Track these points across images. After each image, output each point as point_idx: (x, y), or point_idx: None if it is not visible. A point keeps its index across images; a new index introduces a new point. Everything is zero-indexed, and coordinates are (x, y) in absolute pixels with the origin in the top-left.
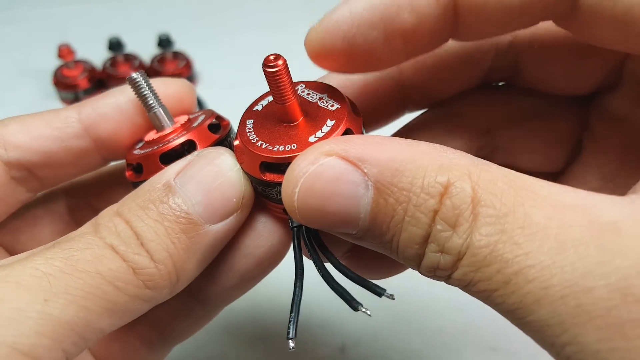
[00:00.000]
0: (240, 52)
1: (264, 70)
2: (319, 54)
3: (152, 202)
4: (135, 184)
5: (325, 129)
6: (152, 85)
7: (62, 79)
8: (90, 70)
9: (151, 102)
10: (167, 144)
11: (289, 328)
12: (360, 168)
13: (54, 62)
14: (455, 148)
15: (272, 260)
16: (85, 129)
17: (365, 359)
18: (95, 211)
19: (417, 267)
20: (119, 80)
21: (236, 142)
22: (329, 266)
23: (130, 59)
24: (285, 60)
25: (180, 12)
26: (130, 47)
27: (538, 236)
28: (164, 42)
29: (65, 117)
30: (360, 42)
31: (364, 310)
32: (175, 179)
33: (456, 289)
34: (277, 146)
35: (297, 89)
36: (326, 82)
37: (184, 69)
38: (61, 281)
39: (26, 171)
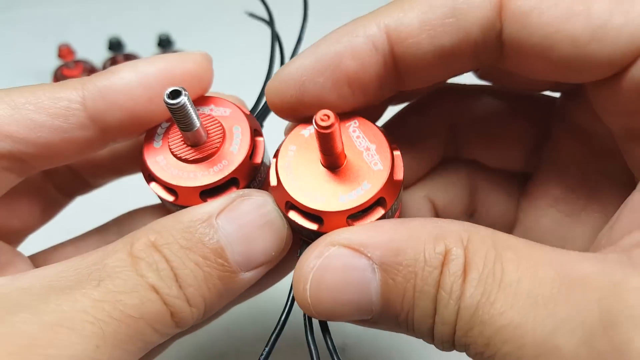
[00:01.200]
0: (240, 52)
1: (316, 131)
2: (276, 103)
3: (194, 243)
4: (168, 204)
5: (359, 191)
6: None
7: (62, 78)
8: (91, 70)
9: (192, 121)
10: (207, 173)
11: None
12: (364, 253)
13: (54, 62)
14: (425, 142)
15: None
16: (91, 118)
17: (365, 359)
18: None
19: (432, 341)
20: None
21: (273, 181)
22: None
23: (130, 58)
24: (337, 118)
25: (180, 12)
26: (131, 47)
27: (512, 294)
28: (164, 42)
29: (67, 102)
30: (310, 88)
31: None
32: (218, 218)
33: None
34: (308, 192)
35: (349, 125)
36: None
37: None
38: (111, 327)
39: (19, 162)
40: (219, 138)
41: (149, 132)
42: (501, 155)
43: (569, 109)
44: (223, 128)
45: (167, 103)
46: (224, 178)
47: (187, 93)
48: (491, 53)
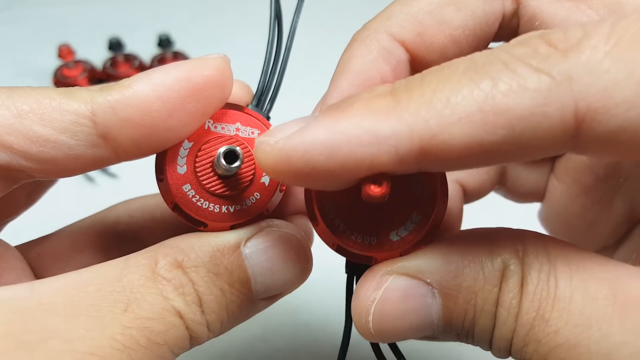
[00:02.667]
0: (240, 52)
1: (366, 196)
2: (267, 172)
3: (222, 270)
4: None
5: (409, 225)
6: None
7: (62, 79)
8: (91, 70)
9: (237, 169)
10: (239, 207)
11: None
12: (423, 279)
13: (54, 62)
14: (473, 5)
15: None
16: (102, 135)
17: (366, 359)
18: None
19: (490, 350)
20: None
21: (315, 223)
22: None
23: (130, 59)
24: (389, 183)
25: (181, 12)
26: (130, 47)
27: (565, 311)
28: (164, 42)
29: (75, 117)
30: (312, 180)
31: None
32: (246, 246)
33: None
34: (356, 234)
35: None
36: None
37: None
38: (138, 354)
39: (16, 172)
40: (251, 170)
41: (171, 151)
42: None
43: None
44: (255, 160)
45: (223, 167)
46: (256, 215)
47: (241, 151)
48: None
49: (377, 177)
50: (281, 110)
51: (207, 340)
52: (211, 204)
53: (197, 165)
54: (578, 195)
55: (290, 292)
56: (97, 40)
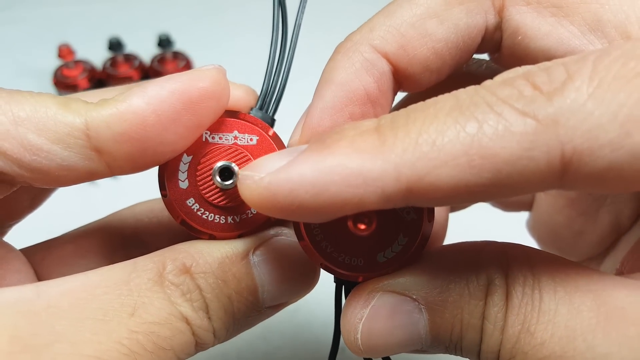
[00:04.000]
0: (240, 52)
1: (353, 232)
2: (252, 205)
3: (230, 277)
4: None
5: (396, 247)
6: None
7: (62, 79)
8: (91, 70)
9: (235, 183)
10: (244, 216)
11: None
12: (409, 295)
13: (54, 62)
14: (455, 19)
15: None
16: (95, 149)
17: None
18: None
19: None
20: (119, 80)
21: (302, 242)
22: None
23: (130, 59)
24: (376, 220)
25: (181, 12)
26: (130, 47)
27: (550, 324)
28: (164, 42)
29: (69, 129)
30: (298, 216)
31: None
32: (254, 254)
33: None
34: (343, 256)
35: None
36: None
37: (184, 69)
38: (144, 359)
39: (10, 177)
40: None
41: (171, 166)
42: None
43: None
44: None
45: (219, 184)
46: (262, 223)
47: (237, 167)
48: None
49: (363, 216)
50: (286, 112)
51: (212, 346)
52: (217, 216)
53: (198, 179)
54: (564, 207)
55: (296, 300)
56: (97, 40)
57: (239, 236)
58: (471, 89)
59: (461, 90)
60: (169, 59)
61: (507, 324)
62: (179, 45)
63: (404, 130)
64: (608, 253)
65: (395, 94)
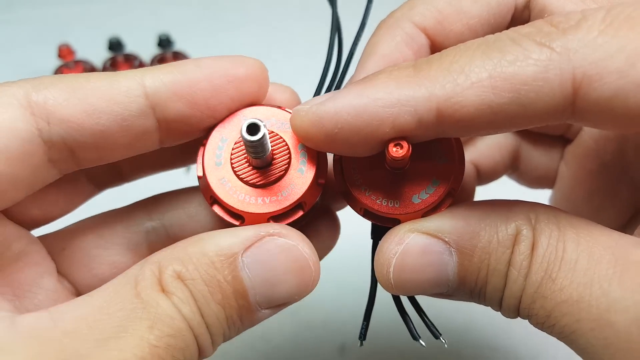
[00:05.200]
0: (240, 52)
1: (389, 159)
2: (301, 134)
3: (218, 282)
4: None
5: (430, 189)
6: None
7: None
8: (91, 70)
9: (266, 151)
10: (275, 198)
11: (362, 329)
12: (442, 238)
13: (54, 62)
14: None
15: None
16: (152, 106)
17: (365, 359)
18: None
19: (500, 309)
20: None
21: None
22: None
23: (130, 59)
24: (409, 146)
25: (181, 12)
26: (130, 47)
27: (570, 272)
28: (164, 42)
29: (127, 89)
30: (342, 138)
31: (421, 342)
32: (244, 255)
33: None
34: (381, 199)
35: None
36: None
37: None
38: None
39: (68, 152)
40: (286, 161)
41: (209, 147)
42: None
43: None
44: (289, 149)
45: (245, 139)
46: (291, 204)
47: (265, 125)
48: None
49: (398, 141)
50: None
51: (212, 354)
52: (247, 196)
53: (232, 157)
54: (584, 181)
55: (297, 300)
56: (97, 40)
57: (269, 219)
58: (499, 32)
59: (490, 35)
60: (169, 59)
61: (531, 270)
62: (179, 45)
63: (438, 62)
64: (626, 229)
65: None
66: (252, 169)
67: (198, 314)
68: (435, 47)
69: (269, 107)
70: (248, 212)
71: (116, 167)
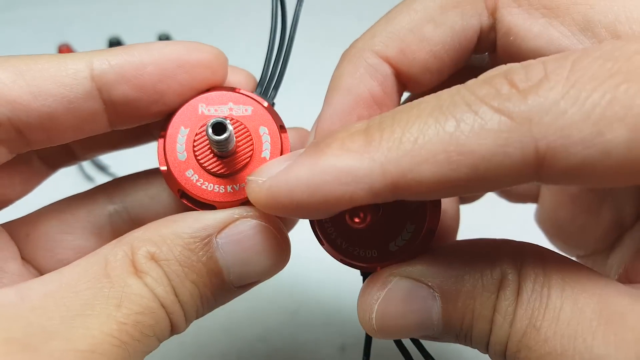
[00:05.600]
0: (240, 53)
1: (352, 226)
2: (257, 204)
3: (193, 262)
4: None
5: (405, 235)
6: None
7: None
8: None
9: (231, 146)
10: (244, 185)
11: None
12: (425, 282)
13: None
14: (452, 23)
15: None
16: (98, 89)
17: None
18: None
19: (487, 353)
20: None
21: (321, 243)
22: None
23: None
24: (369, 212)
25: (181, 12)
26: None
27: (554, 321)
28: None
29: (74, 71)
30: (300, 212)
31: None
32: (218, 237)
33: None
34: (358, 249)
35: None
36: None
37: None
38: (132, 347)
39: (15, 132)
40: (249, 147)
41: (169, 139)
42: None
43: None
44: (251, 135)
45: (211, 139)
46: None
47: (230, 123)
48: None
49: (356, 211)
50: (288, 98)
51: (185, 329)
52: (216, 186)
53: (195, 149)
54: (567, 202)
55: (269, 278)
56: (97, 40)
57: (242, 204)
58: (454, 89)
59: (445, 91)
60: None
61: (516, 317)
62: None
63: (389, 130)
64: (614, 248)
65: (400, 94)
66: (217, 160)
67: (172, 293)
68: (400, 76)
69: (225, 92)
70: (219, 202)
71: (68, 147)
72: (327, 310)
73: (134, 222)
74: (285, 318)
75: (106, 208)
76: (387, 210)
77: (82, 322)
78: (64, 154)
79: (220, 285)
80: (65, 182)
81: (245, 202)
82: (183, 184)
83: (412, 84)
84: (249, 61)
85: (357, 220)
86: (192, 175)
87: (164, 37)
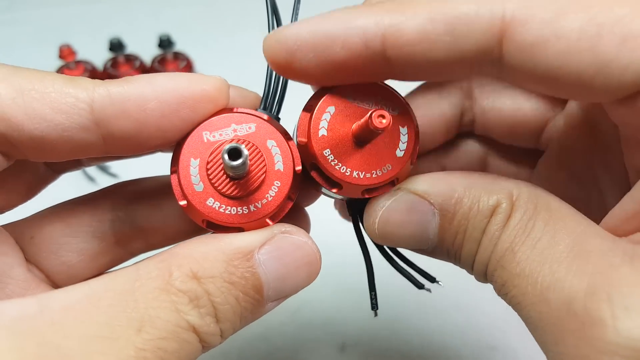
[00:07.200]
0: (240, 53)
1: (371, 129)
2: (270, 58)
3: (237, 279)
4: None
5: (404, 139)
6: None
7: None
8: (92, 71)
9: (246, 169)
10: (265, 200)
11: (372, 299)
12: (428, 199)
13: (55, 63)
14: (441, 109)
15: None
16: (96, 122)
17: (365, 358)
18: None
19: (472, 272)
20: None
21: (301, 137)
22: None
23: (131, 59)
24: (390, 119)
25: (181, 13)
26: (131, 47)
27: (530, 248)
28: (165, 43)
29: (74, 101)
30: (300, 58)
31: (427, 288)
32: (259, 252)
33: (456, 288)
34: (374, 171)
35: (345, 97)
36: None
37: (185, 70)
38: None
39: (9, 145)
40: (262, 163)
41: (182, 173)
42: (513, 132)
43: (577, 103)
44: (260, 151)
45: (227, 165)
46: (282, 200)
47: (245, 148)
48: (488, 72)
49: (381, 114)
50: (291, 111)
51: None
52: (238, 208)
53: (210, 177)
54: (556, 191)
55: (296, 292)
56: (98, 41)
57: (270, 219)
58: None
59: None
60: (169, 59)
61: (499, 241)
62: (180, 45)
63: (390, 0)
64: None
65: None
66: (233, 182)
67: (209, 314)
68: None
69: (225, 115)
70: (246, 222)
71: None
72: (327, 310)
73: (137, 229)
74: (286, 317)
75: (109, 214)
76: (376, 144)
77: (99, 345)
78: (70, 161)
79: (259, 301)
80: (66, 182)
81: (274, 216)
82: (207, 214)
83: (395, 72)
84: (249, 61)
85: (381, 119)
86: (213, 203)
87: (165, 38)
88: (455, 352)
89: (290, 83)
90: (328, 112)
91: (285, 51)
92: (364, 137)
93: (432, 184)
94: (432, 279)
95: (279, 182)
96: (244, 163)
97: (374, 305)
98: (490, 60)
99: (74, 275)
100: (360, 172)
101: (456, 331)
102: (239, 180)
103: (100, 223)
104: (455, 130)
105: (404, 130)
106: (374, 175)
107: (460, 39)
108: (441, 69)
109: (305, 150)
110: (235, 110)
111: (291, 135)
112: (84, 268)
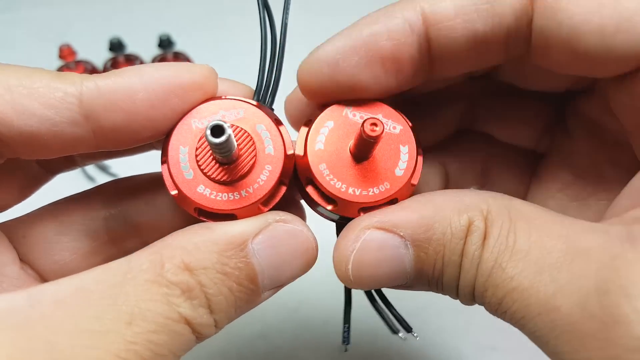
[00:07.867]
0: (240, 53)
1: (360, 135)
2: (308, 83)
3: (231, 269)
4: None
5: (404, 157)
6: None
7: None
8: (92, 71)
9: (233, 150)
10: (257, 185)
11: (344, 332)
12: (397, 233)
13: (55, 63)
14: (441, 110)
15: None
16: (85, 115)
17: (365, 359)
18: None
19: (457, 297)
20: None
21: (299, 150)
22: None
23: (131, 59)
24: (384, 126)
25: (181, 13)
26: (131, 47)
27: (521, 261)
28: (165, 43)
29: (62, 94)
30: (344, 66)
31: (403, 337)
32: (253, 242)
33: None
34: (370, 189)
35: (345, 112)
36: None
37: None
38: None
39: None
40: (252, 147)
41: (172, 162)
42: (514, 131)
43: (582, 102)
44: (250, 135)
45: (212, 144)
46: (275, 185)
47: (229, 126)
48: (521, 43)
49: (373, 122)
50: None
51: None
52: (230, 194)
53: (199, 163)
54: (557, 194)
55: (293, 280)
56: (98, 41)
57: (263, 204)
58: None
59: None
60: (169, 59)
61: (482, 260)
62: (180, 45)
63: None
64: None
65: (418, 69)
66: (223, 168)
67: (202, 305)
68: (430, 47)
69: (213, 102)
70: (239, 209)
71: (68, 156)
72: (327, 310)
73: (130, 226)
74: (285, 316)
75: (102, 211)
76: (375, 161)
77: (88, 339)
78: (64, 160)
79: (254, 290)
80: (66, 182)
81: (268, 200)
82: (198, 201)
83: (437, 63)
84: (249, 61)
85: (373, 127)
86: (204, 190)
87: (165, 38)
88: (456, 352)
89: (284, 75)
90: (326, 126)
91: (327, 66)
92: (360, 151)
93: (398, 215)
94: (409, 329)
95: (270, 166)
96: (227, 140)
97: (345, 339)
98: (523, 26)
99: (67, 275)
100: (356, 189)
101: (457, 332)
102: (229, 165)
103: (93, 221)
104: (455, 125)
105: (404, 149)
106: (370, 193)
107: (496, 3)
108: (480, 46)
109: (302, 164)
110: (223, 97)
111: (292, 148)
112: (76, 267)
